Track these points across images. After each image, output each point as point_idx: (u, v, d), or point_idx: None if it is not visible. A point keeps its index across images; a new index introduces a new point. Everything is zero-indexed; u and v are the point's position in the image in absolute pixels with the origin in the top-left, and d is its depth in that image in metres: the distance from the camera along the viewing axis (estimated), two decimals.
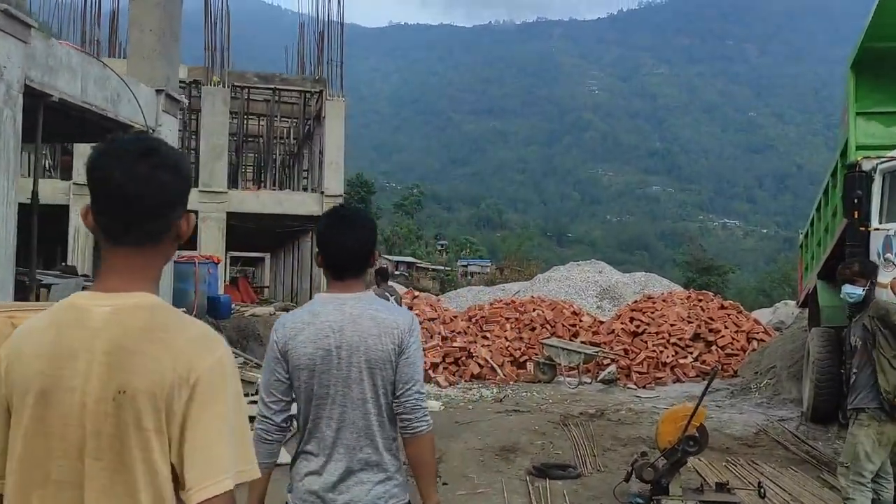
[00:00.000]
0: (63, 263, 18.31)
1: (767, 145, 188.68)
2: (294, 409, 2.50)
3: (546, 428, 9.36)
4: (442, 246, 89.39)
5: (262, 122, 25.73)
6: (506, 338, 15.31)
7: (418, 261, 71.77)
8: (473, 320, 16.64)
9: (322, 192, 22.83)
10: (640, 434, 9.04)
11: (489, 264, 75.07)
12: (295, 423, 2.52)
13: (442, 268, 69.12)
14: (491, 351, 14.17)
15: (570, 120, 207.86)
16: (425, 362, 12.93)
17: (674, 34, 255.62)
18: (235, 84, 22.88)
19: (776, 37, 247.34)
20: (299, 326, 2.42)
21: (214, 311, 15.45)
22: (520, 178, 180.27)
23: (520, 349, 14.98)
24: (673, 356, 14.19)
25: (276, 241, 30.62)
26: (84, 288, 7.35)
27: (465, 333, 14.47)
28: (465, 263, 76.93)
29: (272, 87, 23.22)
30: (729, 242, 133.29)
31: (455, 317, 15.12)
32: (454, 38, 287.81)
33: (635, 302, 17.07)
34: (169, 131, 11.75)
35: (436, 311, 14.74)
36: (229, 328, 15.13)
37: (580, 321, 16.37)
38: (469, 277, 65.83)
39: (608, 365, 13.74)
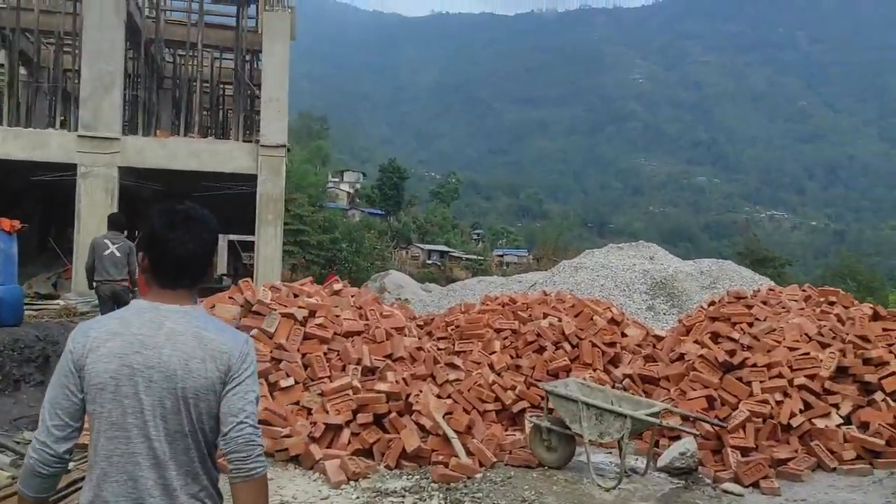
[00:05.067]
0: None
1: (818, 135, 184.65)
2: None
3: None
4: (478, 235, 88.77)
5: (188, 56, 19.01)
6: (491, 367, 8.58)
7: (451, 249, 70.19)
8: (449, 331, 10.02)
9: (258, 142, 16.21)
10: None
11: (526, 254, 72.73)
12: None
13: (476, 257, 67.01)
14: (459, 395, 7.50)
15: (613, 110, 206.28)
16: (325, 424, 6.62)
17: (723, 21, 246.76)
18: None
19: (829, 22, 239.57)
20: (104, 337, 1.93)
21: None
22: (560, 167, 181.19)
23: (514, 388, 8.28)
24: (800, 412, 7.44)
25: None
26: None
27: (414, 361, 7.80)
28: (501, 253, 75.42)
29: None
30: (776, 235, 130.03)
31: (399, 329, 8.40)
32: (496, 26, 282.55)
33: (715, 304, 10.09)
34: None
35: (364, 317, 8.09)
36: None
37: (622, 336, 9.65)
38: (504, 267, 62.72)
39: (679, 435, 6.95)
